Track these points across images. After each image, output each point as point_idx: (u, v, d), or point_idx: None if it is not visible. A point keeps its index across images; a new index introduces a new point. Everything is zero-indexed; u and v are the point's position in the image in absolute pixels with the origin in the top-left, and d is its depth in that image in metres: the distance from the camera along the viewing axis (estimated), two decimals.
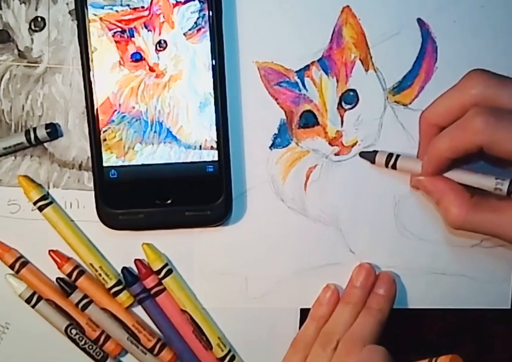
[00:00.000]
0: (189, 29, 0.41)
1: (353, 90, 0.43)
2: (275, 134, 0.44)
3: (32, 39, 0.43)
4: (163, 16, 0.41)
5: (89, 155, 0.43)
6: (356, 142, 0.43)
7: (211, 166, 0.42)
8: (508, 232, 0.38)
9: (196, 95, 0.42)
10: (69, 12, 0.43)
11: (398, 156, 0.42)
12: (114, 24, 0.41)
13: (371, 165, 0.43)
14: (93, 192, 0.43)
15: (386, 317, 0.43)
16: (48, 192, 0.44)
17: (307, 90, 0.43)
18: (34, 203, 0.44)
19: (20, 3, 0.43)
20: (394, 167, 0.42)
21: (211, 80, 0.41)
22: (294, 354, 0.44)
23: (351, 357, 0.40)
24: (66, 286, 0.44)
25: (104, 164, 0.42)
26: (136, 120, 0.42)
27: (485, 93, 0.37)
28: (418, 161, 0.41)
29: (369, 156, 0.43)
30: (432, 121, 0.40)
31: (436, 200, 0.40)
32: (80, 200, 0.44)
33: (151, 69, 0.41)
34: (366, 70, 0.43)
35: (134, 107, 0.42)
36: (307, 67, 0.43)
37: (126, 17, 0.41)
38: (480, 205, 0.39)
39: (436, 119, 0.39)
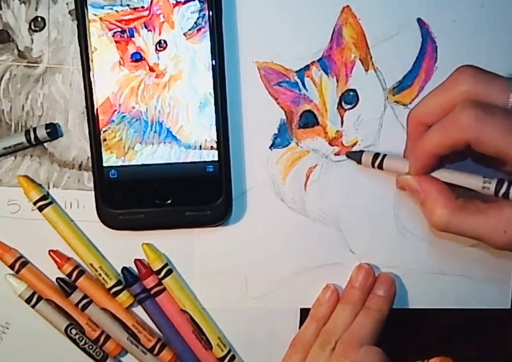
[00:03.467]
0: (189, 29, 0.41)
1: (353, 90, 0.43)
2: (275, 134, 0.44)
3: (32, 39, 0.43)
4: (163, 16, 0.41)
5: (89, 155, 0.43)
6: (356, 142, 0.44)
7: (211, 166, 0.42)
8: (491, 235, 0.37)
9: (196, 95, 0.42)
10: (69, 12, 0.43)
11: (384, 155, 0.41)
12: (114, 24, 0.41)
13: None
14: (93, 192, 0.43)
15: (384, 318, 0.43)
16: (48, 192, 0.44)
17: (307, 90, 0.43)
18: (34, 203, 0.44)
19: (20, 3, 0.43)
20: (380, 167, 0.41)
21: (211, 80, 0.41)
22: (294, 353, 0.44)
23: (348, 358, 0.40)
24: (66, 286, 0.44)
25: (104, 164, 0.42)
26: (136, 120, 0.42)
27: (474, 89, 0.36)
28: (405, 160, 0.40)
29: (355, 156, 0.42)
30: (420, 120, 0.39)
31: (421, 201, 0.39)
32: (80, 200, 0.44)
33: (151, 69, 0.41)
34: (366, 70, 0.43)
35: (134, 107, 0.42)
36: (307, 67, 0.43)
37: (127, 17, 0.41)
38: (465, 207, 0.38)
39: (425, 118, 0.39)
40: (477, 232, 0.37)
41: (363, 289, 0.44)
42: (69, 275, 0.44)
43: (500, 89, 0.36)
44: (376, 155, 0.41)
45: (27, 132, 0.43)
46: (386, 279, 0.44)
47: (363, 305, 0.43)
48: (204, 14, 0.41)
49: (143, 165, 0.42)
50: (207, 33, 0.41)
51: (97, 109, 0.42)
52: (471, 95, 0.36)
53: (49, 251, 0.44)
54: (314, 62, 0.43)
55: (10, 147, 0.43)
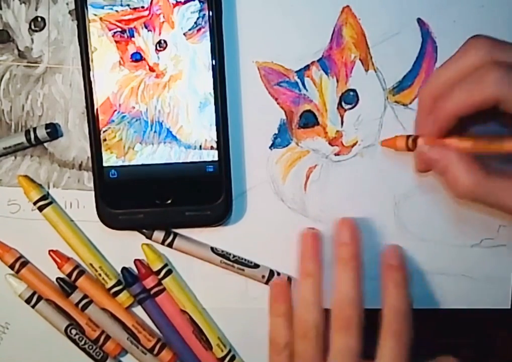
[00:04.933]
0: (189, 29, 0.41)
1: (353, 90, 0.43)
2: (275, 134, 0.44)
3: (32, 39, 0.43)
4: (163, 16, 0.41)
5: (89, 155, 0.43)
6: (356, 142, 0.44)
7: (211, 166, 0.42)
8: None
9: (196, 95, 0.42)
10: (69, 12, 0.43)
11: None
12: (114, 24, 0.41)
13: (371, 164, 0.43)
14: (93, 192, 0.43)
15: (361, 265, 0.41)
16: (48, 192, 0.44)
17: (307, 90, 0.43)
18: (34, 203, 0.44)
19: (20, 3, 0.43)
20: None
21: (212, 80, 0.41)
22: (278, 355, 0.42)
23: (350, 324, 0.40)
24: (66, 286, 0.44)
25: (104, 164, 0.42)
26: (136, 120, 0.42)
27: (492, 53, 0.35)
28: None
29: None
30: (435, 93, 0.37)
31: (442, 170, 0.37)
32: (80, 200, 0.44)
33: (151, 69, 0.41)
34: (366, 70, 0.43)
35: (134, 107, 0.42)
36: (307, 67, 0.43)
37: (126, 17, 0.41)
38: (489, 171, 0.36)
39: (440, 90, 0.37)
40: (502, 197, 0.35)
41: (316, 256, 0.42)
42: (69, 275, 0.44)
43: None
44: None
45: (27, 132, 0.43)
46: (344, 223, 0.42)
47: (322, 273, 0.42)
48: (204, 14, 0.41)
49: (143, 165, 0.42)
50: (207, 33, 0.41)
51: (97, 109, 0.42)
52: (490, 59, 0.35)
53: (49, 251, 0.44)
54: (314, 62, 0.43)
55: (10, 147, 0.43)
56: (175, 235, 0.44)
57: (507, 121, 0.38)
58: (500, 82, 0.34)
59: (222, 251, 0.44)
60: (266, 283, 0.44)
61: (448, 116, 0.36)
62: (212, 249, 0.44)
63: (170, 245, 0.44)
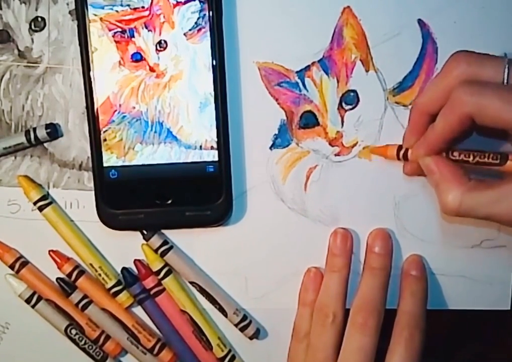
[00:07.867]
0: (190, 29, 0.41)
1: (354, 91, 0.43)
2: (275, 134, 0.44)
3: (32, 39, 0.43)
4: (163, 16, 0.41)
5: (89, 155, 0.43)
6: (357, 142, 0.43)
7: (212, 166, 0.42)
8: (502, 211, 0.37)
9: (197, 95, 0.42)
10: (69, 12, 0.43)
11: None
12: (115, 24, 0.41)
13: (371, 165, 0.43)
14: (93, 192, 0.43)
15: (389, 275, 0.43)
16: (48, 192, 0.44)
17: (307, 91, 0.43)
18: (34, 203, 0.44)
19: (20, 3, 0.43)
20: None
21: (212, 80, 0.41)
22: (298, 344, 0.44)
23: (368, 324, 0.41)
24: (66, 286, 0.44)
25: (104, 164, 0.42)
26: (136, 121, 0.42)
27: (467, 71, 0.37)
28: None
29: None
30: (423, 109, 0.40)
31: (435, 182, 0.39)
32: (80, 200, 0.44)
33: (151, 69, 0.41)
34: (367, 71, 0.43)
35: (134, 107, 0.42)
36: (307, 67, 0.43)
37: (127, 17, 0.41)
38: (476, 186, 0.38)
39: (426, 106, 0.39)
40: (488, 209, 0.37)
41: (345, 254, 0.43)
42: (69, 275, 0.44)
43: (493, 68, 0.37)
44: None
45: (27, 132, 0.43)
46: (380, 234, 0.44)
47: (348, 270, 0.43)
48: (204, 14, 0.41)
49: (143, 165, 0.42)
50: (208, 33, 0.41)
51: (97, 109, 0.42)
52: (465, 77, 0.37)
53: (49, 251, 0.44)
54: (314, 62, 0.43)
55: (10, 147, 0.43)
56: (171, 247, 0.44)
57: (484, 132, 0.40)
58: (468, 100, 0.36)
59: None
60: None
61: (439, 141, 0.39)
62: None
63: (163, 254, 0.44)
